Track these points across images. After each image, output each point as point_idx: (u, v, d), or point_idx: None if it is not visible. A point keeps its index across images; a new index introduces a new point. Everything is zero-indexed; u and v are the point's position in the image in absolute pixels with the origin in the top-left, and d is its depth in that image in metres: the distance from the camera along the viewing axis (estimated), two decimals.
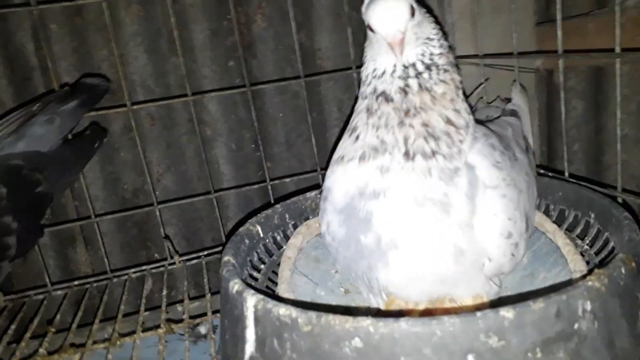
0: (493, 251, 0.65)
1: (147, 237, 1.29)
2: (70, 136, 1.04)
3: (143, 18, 1.18)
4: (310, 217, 0.93)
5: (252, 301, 0.56)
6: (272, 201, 1.21)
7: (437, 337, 0.47)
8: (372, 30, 0.68)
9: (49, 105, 0.94)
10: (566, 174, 0.95)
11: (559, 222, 0.81)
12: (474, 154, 0.67)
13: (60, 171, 0.95)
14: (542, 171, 0.98)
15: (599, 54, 0.86)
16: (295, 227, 0.91)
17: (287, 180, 1.24)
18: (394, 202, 0.63)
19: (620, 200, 0.83)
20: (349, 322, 0.49)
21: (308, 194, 0.94)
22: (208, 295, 1.02)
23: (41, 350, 0.87)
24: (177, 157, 1.27)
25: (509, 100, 1.01)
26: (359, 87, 0.76)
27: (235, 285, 0.61)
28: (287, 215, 0.91)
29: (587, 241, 0.76)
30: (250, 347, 0.57)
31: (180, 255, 1.18)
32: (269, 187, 1.20)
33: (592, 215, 0.75)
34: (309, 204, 0.94)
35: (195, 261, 1.18)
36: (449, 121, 0.66)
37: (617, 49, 0.75)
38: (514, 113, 0.93)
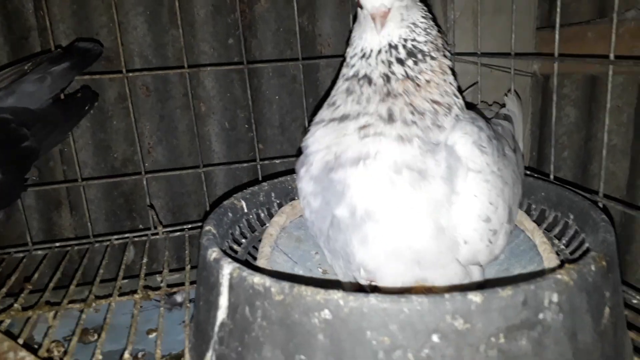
0: (469, 233, 0.65)
1: (132, 207, 1.29)
2: (62, 97, 1.04)
3: None
4: (296, 197, 0.93)
5: (227, 269, 0.57)
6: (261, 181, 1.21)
7: (405, 315, 0.47)
8: (360, 6, 0.68)
9: (41, 64, 0.94)
10: (551, 176, 0.96)
11: (539, 221, 0.82)
12: (457, 132, 0.67)
13: (48, 129, 0.96)
14: (528, 172, 0.99)
15: (593, 59, 0.87)
16: (280, 206, 0.91)
17: (277, 162, 1.25)
18: (371, 170, 0.63)
19: (601, 205, 0.84)
20: (320, 294, 0.50)
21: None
22: (188, 267, 1.02)
23: (16, 305, 0.87)
24: (169, 130, 1.26)
25: (503, 105, 1.02)
26: None
27: (213, 253, 0.61)
28: (273, 194, 0.91)
29: (564, 241, 0.77)
30: (222, 314, 0.57)
31: (164, 227, 1.19)
32: (258, 167, 1.20)
33: (571, 217, 0.76)
34: (295, 185, 0.94)
35: (178, 234, 1.18)
36: (434, 102, 0.67)
37: (611, 56, 0.75)
38: (507, 117, 0.94)
